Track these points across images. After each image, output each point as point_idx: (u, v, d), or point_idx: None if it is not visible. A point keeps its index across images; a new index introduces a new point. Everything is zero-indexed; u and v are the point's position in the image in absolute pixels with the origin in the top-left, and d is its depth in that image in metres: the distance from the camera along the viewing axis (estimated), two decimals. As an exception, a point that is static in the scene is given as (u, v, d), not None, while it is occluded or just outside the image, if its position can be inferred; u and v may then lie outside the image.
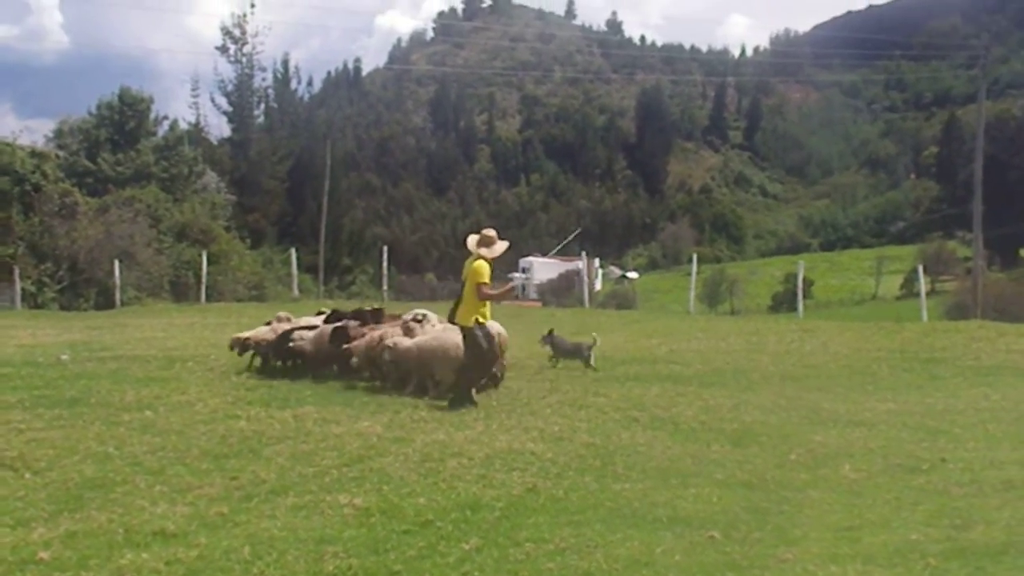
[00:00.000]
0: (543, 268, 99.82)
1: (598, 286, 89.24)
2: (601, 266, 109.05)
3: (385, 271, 41.69)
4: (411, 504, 8.20)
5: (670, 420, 12.21)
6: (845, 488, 8.97)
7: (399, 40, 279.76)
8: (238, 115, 78.26)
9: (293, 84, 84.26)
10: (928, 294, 38.61)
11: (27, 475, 9.22)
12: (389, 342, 14.32)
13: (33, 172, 46.03)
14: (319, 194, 58.98)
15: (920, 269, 39.41)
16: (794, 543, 7.27)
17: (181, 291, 44.30)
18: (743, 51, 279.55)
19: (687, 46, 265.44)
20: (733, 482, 9.13)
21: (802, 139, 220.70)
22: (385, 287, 41.59)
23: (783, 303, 69.61)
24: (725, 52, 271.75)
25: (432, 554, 6.99)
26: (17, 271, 40.49)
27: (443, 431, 11.23)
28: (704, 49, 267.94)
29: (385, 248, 42.85)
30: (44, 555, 6.89)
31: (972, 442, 10.99)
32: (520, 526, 7.64)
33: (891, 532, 7.50)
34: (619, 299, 60.07)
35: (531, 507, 8.18)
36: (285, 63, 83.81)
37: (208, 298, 40.84)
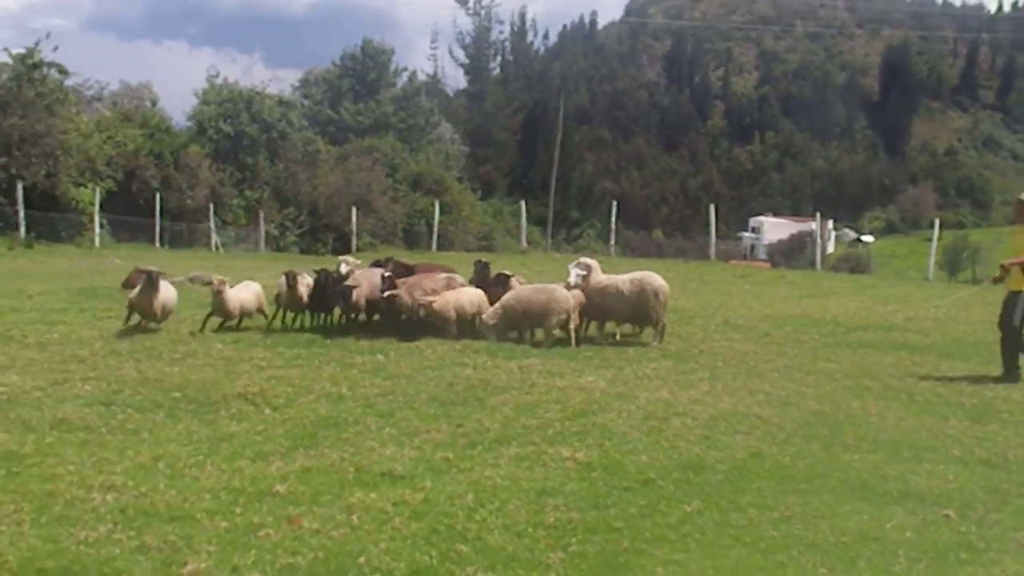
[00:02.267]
0: (774, 228, 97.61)
1: (830, 248, 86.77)
2: (835, 228, 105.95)
3: (613, 226, 41.57)
4: (633, 461, 8.18)
5: (904, 391, 11.73)
6: (1097, 474, 8.42)
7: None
8: (474, 67, 79.59)
9: (529, 37, 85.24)
10: None
11: (267, 410, 9.67)
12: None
13: (280, 120, 48.12)
14: (551, 147, 59.44)
15: None
16: (1038, 527, 6.87)
17: (413, 239, 45.55)
18: (1000, 6, 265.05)
19: (938, 0, 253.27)
20: (971, 459, 8.70)
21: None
22: (612, 242, 41.55)
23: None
24: (980, 7, 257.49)
25: (653, 513, 6.95)
26: (262, 215, 42.48)
27: (667, 389, 11.14)
28: (957, 3, 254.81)
29: (615, 203, 42.68)
30: (280, 488, 7.21)
31: None
32: (743, 491, 7.51)
33: None
34: (852, 263, 58.26)
35: (755, 472, 8.03)
36: (522, 16, 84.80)
37: (439, 247, 41.77)
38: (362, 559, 5.92)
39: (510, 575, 5.77)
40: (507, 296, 14.59)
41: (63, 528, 6.37)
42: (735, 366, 13.05)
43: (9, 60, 39.10)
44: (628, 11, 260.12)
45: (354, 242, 41.96)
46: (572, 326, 14.32)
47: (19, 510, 6.67)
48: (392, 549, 6.10)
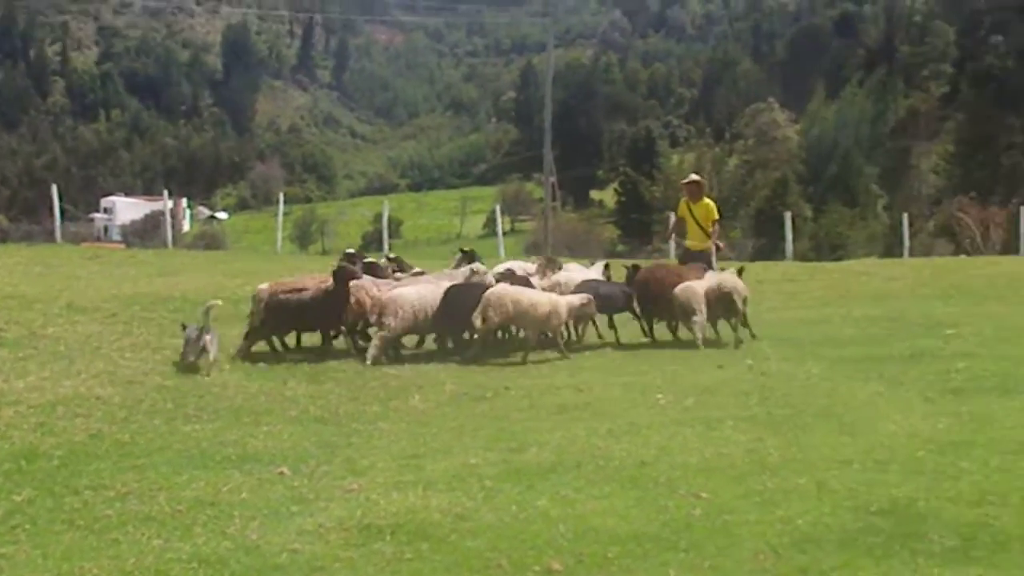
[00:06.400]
0: (127, 208, 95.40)
1: (187, 227, 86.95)
2: (189, 206, 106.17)
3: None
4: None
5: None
6: (413, 418, 9.35)
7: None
8: None
9: None
10: (507, 233, 40.48)
11: None
12: None
13: None
14: None
15: (498, 209, 40.95)
16: (361, 473, 7.49)
17: None
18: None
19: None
20: (306, 418, 9.29)
21: (389, 80, 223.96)
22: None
23: (373, 242, 70.66)
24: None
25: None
26: None
27: (1, 379, 10.48)
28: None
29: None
30: None
31: (533, 370, 11.74)
32: (80, 473, 7.36)
33: (452, 458, 7.87)
34: (208, 240, 58.68)
35: (94, 453, 7.90)
36: None
37: None
38: None
39: None
40: None
41: None
42: (78, 349, 12.57)
43: None
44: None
45: None
46: None
47: None
48: None
